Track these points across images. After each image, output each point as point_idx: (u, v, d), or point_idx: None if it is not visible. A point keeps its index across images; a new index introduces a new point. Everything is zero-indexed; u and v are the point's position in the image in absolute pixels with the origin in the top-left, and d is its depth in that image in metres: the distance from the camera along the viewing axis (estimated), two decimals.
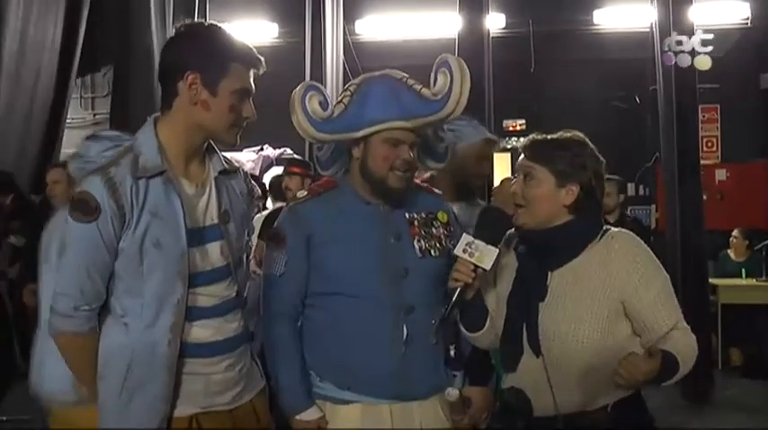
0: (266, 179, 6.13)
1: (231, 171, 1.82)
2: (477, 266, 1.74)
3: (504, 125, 7.30)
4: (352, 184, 1.98)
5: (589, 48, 7.34)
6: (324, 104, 1.91)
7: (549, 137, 1.84)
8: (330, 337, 1.92)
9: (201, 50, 1.66)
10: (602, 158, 1.83)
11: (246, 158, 6.46)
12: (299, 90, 1.91)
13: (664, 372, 1.66)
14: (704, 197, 7.27)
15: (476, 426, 2.06)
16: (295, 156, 6.11)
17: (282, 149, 6.63)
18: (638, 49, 6.84)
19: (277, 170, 6.35)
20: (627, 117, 7.45)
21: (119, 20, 5.71)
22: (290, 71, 6.61)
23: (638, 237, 1.85)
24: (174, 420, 1.68)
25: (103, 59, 7.47)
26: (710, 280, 6.50)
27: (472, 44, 5.72)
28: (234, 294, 1.76)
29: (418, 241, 1.95)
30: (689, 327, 1.79)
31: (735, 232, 6.56)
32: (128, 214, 1.61)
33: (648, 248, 1.83)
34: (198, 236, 1.69)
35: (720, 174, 7.26)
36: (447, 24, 7.29)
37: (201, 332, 1.70)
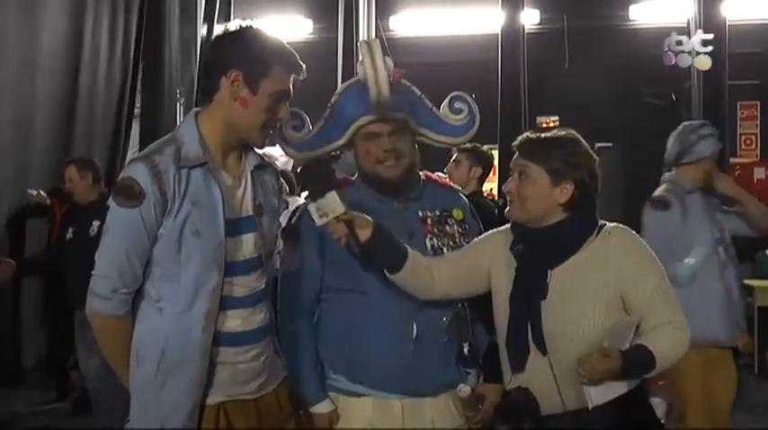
0: None
1: (264, 166, 1.88)
2: (340, 218, 1.74)
3: (537, 121, 7.27)
4: (365, 184, 2.03)
5: (624, 43, 7.25)
6: (298, 127, 2.02)
7: (543, 135, 1.85)
8: (342, 332, 1.96)
9: (247, 50, 1.72)
10: (595, 156, 1.84)
11: (280, 153, 6.50)
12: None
13: (633, 368, 1.70)
14: None
15: (489, 423, 2.07)
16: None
17: None
18: None
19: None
20: (662, 113, 7.35)
21: (149, 16, 5.79)
22: (324, 67, 6.67)
23: (635, 233, 1.86)
24: (203, 408, 1.72)
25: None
26: (747, 281, 6.38)
27: (512, 40, 5.73)
28: (263, 286, 1.81)
29: (430, 239, 1.98)
30: (685, 323, 1.79)
31: None
32: (170, 201, 1.66)
33: (645, 244, 1.85)
34: (234, 226, 1.74)
35: (759, 173, 7.12)
36: (479, 20, 7.27)
37: (231, 322, 1.74)
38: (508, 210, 1.84)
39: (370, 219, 1.79)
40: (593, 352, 1.67)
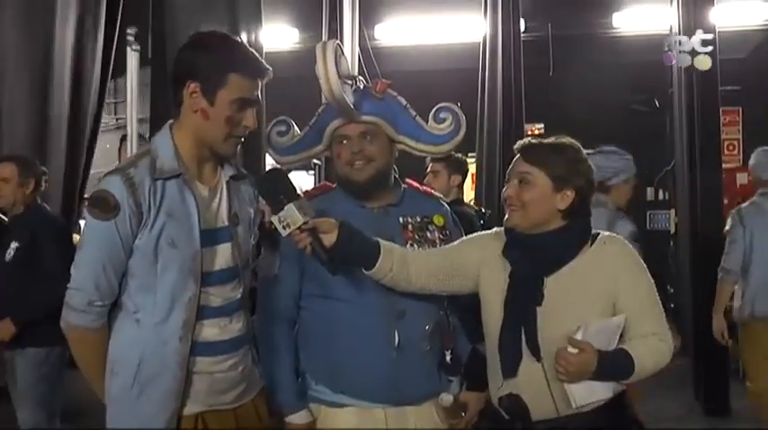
0: None
1: (241, 177, 1.87)
2: (302, 228, 1.73)
3: (525, 129, 7.30)
4: (345, 191, 2.03)
5: (608, 51, 7.31)
6: (283, 133, 2.09)
7: (545, 141, 1.85)
8: (323, 341, 1.95)
9: (202, 60, 1.71)
10: (593, 166, 1.85)
11: (268, 162, 6.50)
12: (267, 126, 2.11)
13: (610, 369, 1.72)
14: (725, 201, 7.21)
15: None
16: (315, 160, 6.15)
17: None
18: (657, 52, 6.80)
19: (297, 173, 6.39)
20: (646, 120, 7.41)
21: (154, 23, 5.74)
22: (310, 76, 6.66)
23: (628, 244, 1.87)
24: (181, 418, 1.71)
25: (125, 65, 7.57)
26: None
27: (499, 48, 5.76)
28: (239, 296, 1.81)
29: (411, 245, 1.97)
30: (669, 337, 1.81)
31: None
32: (145, 213, 1.66)
33: (638, 254, 1.86)
34: (210, 237, 1.74)
35: (742, 178, 7.17)
36: (465, 29, 7.30)
37: (208, 331, 1.74)
38: (508, 218, 1.82)
39: (334, 221, 1.78)
40: (563, 348, 1.69)
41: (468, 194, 7.94)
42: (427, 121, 2.10)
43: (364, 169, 1.96)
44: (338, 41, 1.99)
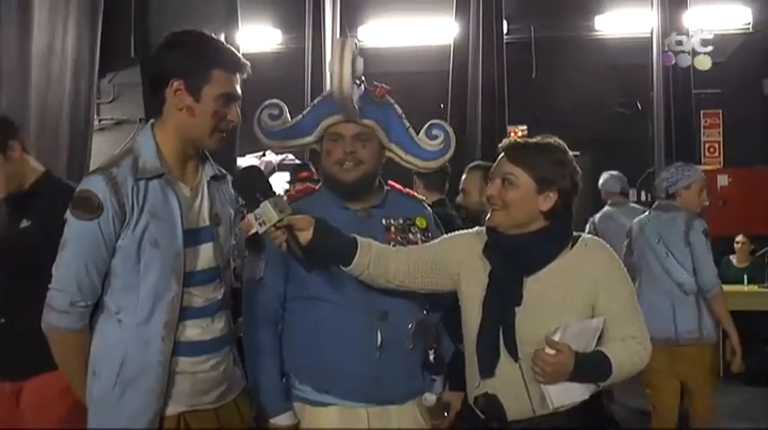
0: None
1: (221, 177, 1.87)
2: (277, 225, 1.73)
3: (506, 130, 7.32)
4: (329, 190, 2.03)
5: (591, 53, 7.34)
6: (275, 116, 2.07)
7: (530, 141, 1.83)
8: (307, 341, 1.95)
9: (184, 58, 1.71)
10: (578, 168, 1.84)
11: (247, 163, 6.47)
12: (259, 107, 2.09)
13: (587, 370, 1.71)
14: (706, 203, 7.27)
15: None
16: (296, 161, 6.13)
17: (284, 155, 6.65)
18: (639, 55, 6.85)
19: (279, 176, 6.36)
20: (629, 123, 7.45)
21: (138, 23, 5.71)
22: (293, 77, 6.65)
23: (609, 247, 1.87)
24: (163, 418, 1.70)
25: (108, 65, 7.49)
26: None
27: (480, 49, 5.77)
28: (220, 296, 1.81)
29: (394, 246, 1.97)
30: (648, 341, 1.81)
31: (739, 237, 6.54)
32: (128, 213, 1.65)
33: (618, 258, 1.86)
34: (193, 237, 1.74)
35: (722, 180, 7.24)
36: (449, 30, 7.31)
37: (190, 331, 1.73)
38: (490, 217, 1.82)
39: (310, 219, 1.78)
40: (540, 349, 1.68)
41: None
42: (418, 133, 2.12)
43: (353, 171, 1.96)
44: (357, 40, 1.99)
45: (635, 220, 3.78)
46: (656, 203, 3.68)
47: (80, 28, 4.01)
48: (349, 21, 6.79)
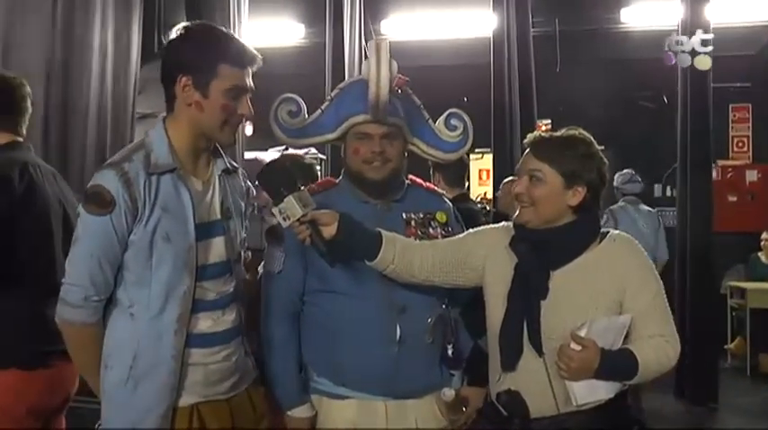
0: None
1: (232, 170, 1.88)
2: (301, 220, 1.73)
3: (534, 124, 7.25)
4: (349, 185, 2.03)
5: (616, 47, 7.26)
6: (294, 113, 2.04)
7: (556, 135, 1.81)
8: (325, 334, 1.95)
9: (191, 53, 1.70)
10: (605, 160, 1.81)
11: (271, 158, 6.49)
12: (274, 103, 2.05)
13: (613, 368, 1.68)
14: (734, 198, 7.16)
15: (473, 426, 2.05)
16: (320, 155, 6.14)
17: (307, 150, 6.66)
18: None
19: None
20: (654, 117, 7.36)
21: (163, 18, 5.74)
22: (315, 71, 6.65)
23: (637, 243, 1.84)
24: (177, 409, 1.71)
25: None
26: (739, 283, 6.38)
27: (503, 44, 5.72)
28: (231, 289, 1.81)
29: (413, 241, 1.94)
30: (677, 340, 1.78)
31: (764, 234, 6.45)
32: (140, 208, 1.66)
33: (646, 254, 1.82)
34: (204, 230, 1.74)
35: (751, 175, 7.14)
36: (470, 24, 7.27)
37: (202, 323, 1.74)
38: (518, 214, 1.80)
39: (334, 213, 1.77)
40: (565, 345, 1.66)
41: (477, 190, 7.96)
42: (436, 122, 2.11)
43: (381, 169, 1.96)
44: (388, 40, 1.97)
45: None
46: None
47: (118, 23, 4.05)
48: (371, 14, 6.77)
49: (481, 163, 8.14)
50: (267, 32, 7.00)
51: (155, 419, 1.67)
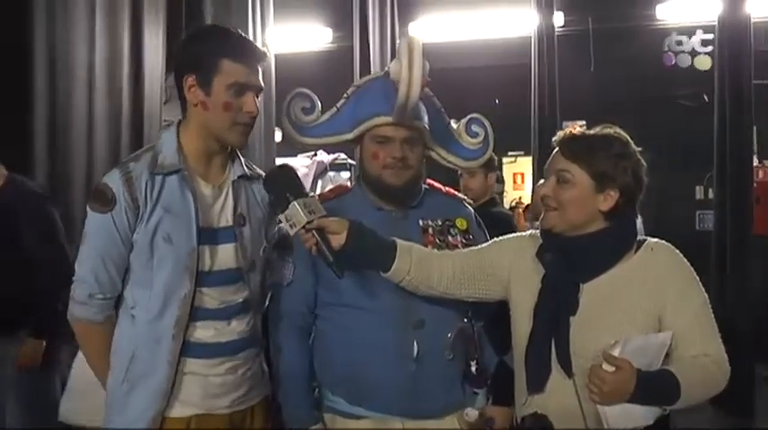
0: (320, 184, 6.11)
1: (253, 177, 1.83)
2: (306, 227, 1.63)
3: (563, 126, 7.08)
4: (364, 190, 1.93)
5: (652, 44, 7.05)
6: (308, 110, 1.93)
7: (588, 133, 1.65)
8: (339, 350, 1.85)
9: (193, 52, 1.71)
10: (643, 161, 1.65)
11: (300, 164, 6.45)
12: (286, 97, 1.94)
13: (651, 393, 1.50)
14: None
15: None
16: (349, 161, 6.07)
17: (336, 154, 6.60)
18: (705, 44, 6.54)
19: (333, 176, 6.32)
20: (694, 116, 7.12)
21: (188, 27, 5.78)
22: (342, 75, 6.60)
23: (678, 252, 1.66)
24: (171, 420, 1.69)
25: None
26: None
27: (544, 43, 5.61)
28: (241, 299, 1.76)
29: (432, 250, 1.84)
30: (725, 360, 1.60)
31: None
32: (141, 207, 1.66)
33: (689, 264, 1.65)
34: (211, 235, 1.71)
35: None
36: (501, 24, 7.15)
37: (203, 332, 1.71)
38: (544, 218, 1.66)
39: (343, 221, 1.67)
40: (596, 365, 1.49)
41: (511, 194, 7.81)
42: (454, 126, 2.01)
43: (401, 175, 1.85)
44: (421, 39, 1.84)
45: None
46: None
47: (148, 33, 4.08)
48: (400, 16, 6.69)
49: (515, 166, 8.00)
50: (294, 37, 6.98)
51: (143, 425, 1.66)
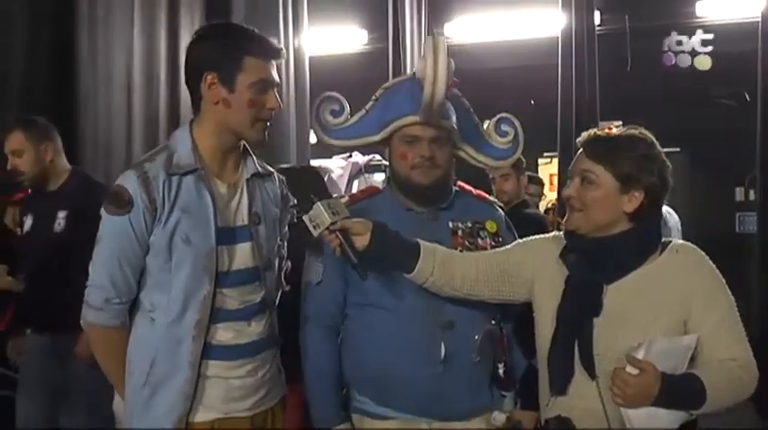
0: (355, 185, 6.14)
1: (265, 175, 1.83)
2: (330, 228, 1.64)
3: (599, 127, 7.01)
4: (394, 191, 1.94)
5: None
6: (336, 112, 1.96)
7: (612, 134, 1.66)
8: (367, 351, 1.86)
9: (215, 49, 1.69)
10: (668, 162, 1.65)
11: (335, 165, 6.49)
12: (316, 101, 1.98)
13: (675, 396, 1.50)
14: None
15: None
16: (384, 162, 6.08)
17: (371, 156, 6.63)
18: (746, 42, 6.40)
19: (367, 177, 6.34)
20: (735, 115, 6.97)
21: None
22: (377, 77, 6.63)
23: (704, 253, 1.66)
24: (194, 424, 1.67)
25: None
26: None
27: (569, 43, 5.56)
28: (259, 299, 1.75)
29: (461, 252, 1.85)
30: (753, 365, 1.58)
31: None
32: (159, 209, 1.64)
33: (715, 267, 1.64)
34: (228, 235, 1.70)
35: None
36: (537, 24, 7.10)
37: (223, 334, 1.69)
38: (567, 219, 1.67)
39: (367, 223, 1.68)
40: (619, 368, 1.49)
41: (548, 196, 7.73)
42: (484, 126, 2.01)
43: (429, 174, 1.86)
44: (445, 36, 1.87)
45: None
46: None
47: (186, 37, 4.16)
48: (435, 18, 6.69)
49: (551, 167, 7.91)
50: (329, 39, 7.02)
51: (167, 428, 1.65)
